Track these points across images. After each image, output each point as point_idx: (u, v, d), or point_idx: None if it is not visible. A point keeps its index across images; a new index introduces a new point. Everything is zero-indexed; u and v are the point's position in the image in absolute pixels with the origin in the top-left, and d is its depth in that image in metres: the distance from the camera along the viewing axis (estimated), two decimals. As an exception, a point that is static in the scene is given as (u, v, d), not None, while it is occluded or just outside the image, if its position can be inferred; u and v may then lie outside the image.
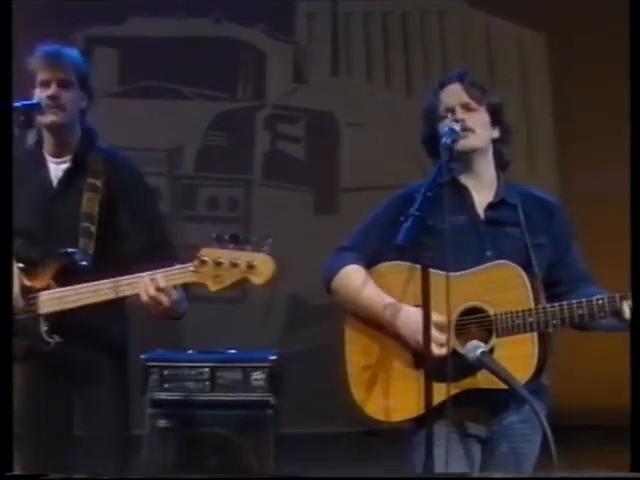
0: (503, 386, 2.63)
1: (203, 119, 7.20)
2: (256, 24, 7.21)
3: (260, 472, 4.23)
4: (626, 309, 2.64)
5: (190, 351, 4.64)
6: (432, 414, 2.63)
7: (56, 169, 3.24)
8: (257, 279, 2.79)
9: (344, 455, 5.42)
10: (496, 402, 2.73)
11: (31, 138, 3.31)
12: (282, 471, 4.39)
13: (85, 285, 3.07)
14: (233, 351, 4.55)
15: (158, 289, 2.93)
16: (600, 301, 2.68)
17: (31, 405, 3.31)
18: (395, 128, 7.05)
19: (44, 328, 3.08)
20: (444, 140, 2.74)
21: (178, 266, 2.93)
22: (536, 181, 6.66)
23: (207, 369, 4.36)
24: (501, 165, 2.98)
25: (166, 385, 4.35)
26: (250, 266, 2.77)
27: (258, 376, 4.33)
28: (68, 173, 3.23)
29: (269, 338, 6.32)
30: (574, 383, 6.19)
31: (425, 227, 2.60)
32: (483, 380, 2.68)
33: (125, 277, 3.00)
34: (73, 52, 3.31)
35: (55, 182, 3.24)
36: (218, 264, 2.80)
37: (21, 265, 3.15)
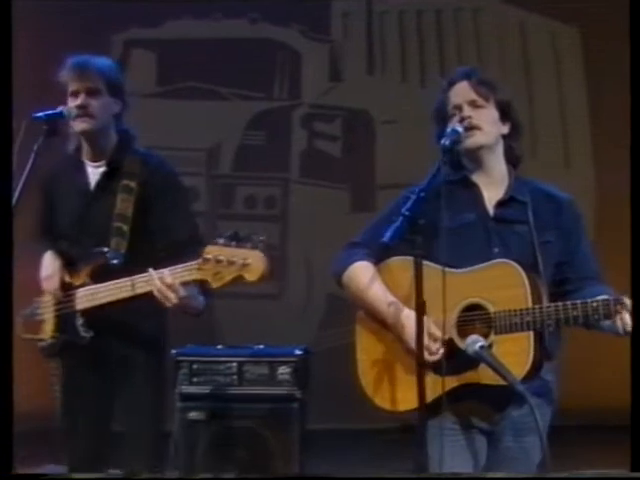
0: (503, 381, 2.68)
1: (240, 119, 7.26)
2: (292, 24, 7.27)
3: (286, 465, 4.29)
4: (627, 318, 2.64)
5: (219, 346, 4.68)
6: (433, 407, 2.70)
7: (94, 173, 3.38)
8: (249, 276, 2.88)
9: (376, 451, 5.45)
10: (500, 396, 2.75)
11: (71, 145, 3.44)
12: (309, 465, 4.44)
13: (112, 282, 3.20)
14: (261, 346, 4.58)
15: (166, 286, 3.03)
16: (594, 304, 2.68)
17: (69, 399, 3.45)
18: (430, 125, 7.16)
19: (80, 322, 3.22)
20: (443, 141, 2.81)
21: (184, 264, 3.03)
22: (572, 175, 6.79)
23: (235, 363, 4.39)
24: (512, 161, 3.01)
25: (195, 379, 4.39)
26: (245, 264, 2.85)
27: (284, 370, 4.36)
28: (104, 176, 3.36)
29: (305, 335, 6.36)
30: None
31: (417, 226, 2.65)
32: (484, 375, 2.71)
33: (141, 275, 3.11)
34: (101, 61, 3.46)
35: (93, 185, 3.38)
36: (218, 261, 2.89)
37: (63, 263, 3.32)
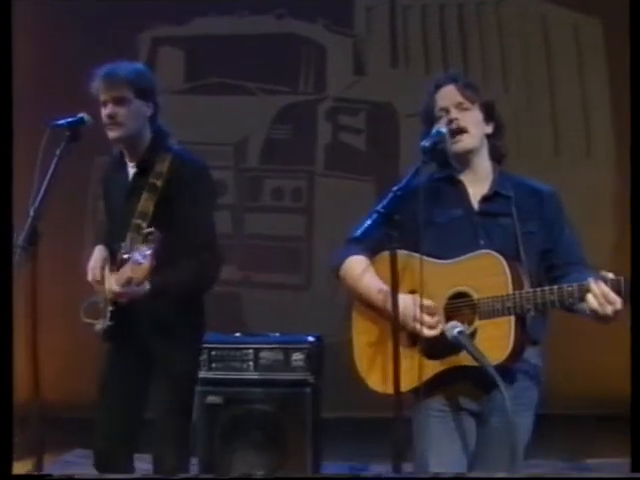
0: (502, 361, 2.81)
1: (267, 113, 7.36)
2: (316, 19, 7.34)
3: (299, 447, 4.54)
4: (591, 298, 2.75)
5: (237, 334, 4.95)
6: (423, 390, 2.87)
7: (132, 173, 3.57)
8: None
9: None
10: (486, 379, 2.83)
11: (116, 148, 3.62)
12: (322, 450, 4.69)
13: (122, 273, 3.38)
14: (277, 334, 4.85)
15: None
16: (570, 288, 2.78)
17: (105, 383, 3.69)
18: None
19: (109, 309, 3.45)
20: (423, 143, 2.97)
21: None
22: (593, 167, 6.83)
23: (251, 350, 4.68)
24: (497, 158, 3.15)
25: (214, 365, 4.69)
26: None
27: (298, 357, 4.64)
28: (135, 176, 3.55)
29: (331, 324, 6.45)
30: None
31: (393, 222, 2.81)
32: (466, 358, 2.84)
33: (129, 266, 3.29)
34: (128, 67, 3.56)
35: (130, 180, 3.57)
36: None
37: (107, 257, 3.58)
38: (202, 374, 4.55)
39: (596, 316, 2.77)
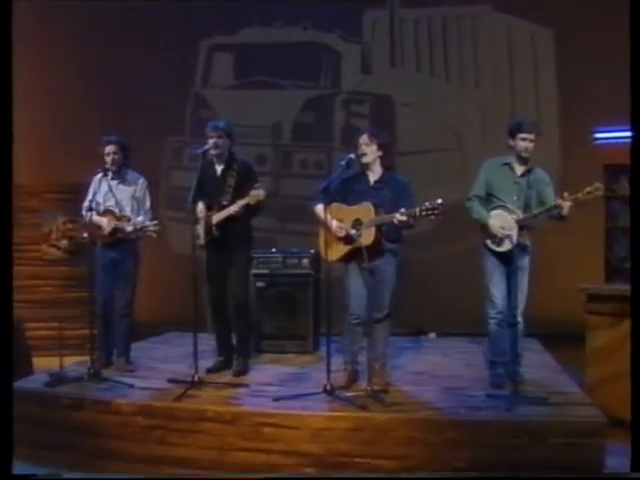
0: (368, 245, 5.29)
1: (296, 103, 8.70)
2: (333, 30, 8.53)
3: (305, 310, 6.64)
4: (396, 221, 5.15)
5: (273, 249, 7.15)
6: (347, 260, 5.45)
7: (218, 168, 6.04)
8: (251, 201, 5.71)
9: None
10: (372, 254, 5.29)
11: (209, 157, 5.90)
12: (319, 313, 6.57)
13: (222, 211, 5.91)
14: (295, 249, 7.07)
15: (235, 209, 5.71)
16: (391, 215, 5.18)
17: (209, 269, 6.07)
18: (437, 106, 8.41)
19: (214, 229, 5.93)
20: (340, 162, 5.30)
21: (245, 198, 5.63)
22: (542, 143, 6.98)
23: (280, 257, 7.07)
24: (385, 166, 5.52)
25: (261, 265, 7.05)
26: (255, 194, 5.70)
27: (305, 261, 7.00)
28: (222, 170, 6.03)
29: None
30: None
31: (327, 193, 5.25)
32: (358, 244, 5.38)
33: (232, 206, 5.74)
34: (222, 123, 6.00)
35: (218, 173, 6.04)
36: (252, 195, 5.60)
37: (206, 205, 5.97)
38: (254, 271, 6.85)
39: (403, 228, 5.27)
